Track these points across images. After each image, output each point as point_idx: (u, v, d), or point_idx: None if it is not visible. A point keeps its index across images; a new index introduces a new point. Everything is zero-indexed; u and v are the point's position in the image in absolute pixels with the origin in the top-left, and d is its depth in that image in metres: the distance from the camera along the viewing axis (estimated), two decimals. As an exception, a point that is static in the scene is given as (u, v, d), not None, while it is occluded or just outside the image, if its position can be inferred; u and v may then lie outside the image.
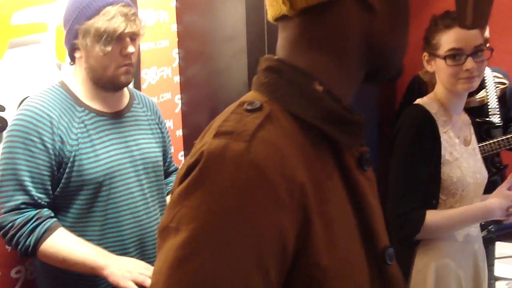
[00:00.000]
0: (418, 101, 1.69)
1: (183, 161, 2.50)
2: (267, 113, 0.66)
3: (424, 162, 1.58)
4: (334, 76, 0.72)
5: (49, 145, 1.38)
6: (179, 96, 2.48)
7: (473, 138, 1.78)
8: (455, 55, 1.57)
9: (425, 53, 1.68)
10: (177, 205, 0.63)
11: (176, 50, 2.43)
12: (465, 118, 1.79)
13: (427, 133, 1.60)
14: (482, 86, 2.21)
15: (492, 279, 1.93)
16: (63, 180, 1.42)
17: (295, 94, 0.69)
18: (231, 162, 0.61)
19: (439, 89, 1.68)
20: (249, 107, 0.67)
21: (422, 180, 1.58)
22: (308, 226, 0.63)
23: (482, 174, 1.70)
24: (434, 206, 1.60)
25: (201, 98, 2.42)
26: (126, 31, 1.43)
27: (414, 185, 1.58)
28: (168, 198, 1.72)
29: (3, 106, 1.57)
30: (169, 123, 2.38)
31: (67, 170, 1.41)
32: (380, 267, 0.74)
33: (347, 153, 0.73)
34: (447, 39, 1.58)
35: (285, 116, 0.68)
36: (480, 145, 1.99)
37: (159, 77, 2.35)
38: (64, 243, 1.37)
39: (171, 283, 0.60)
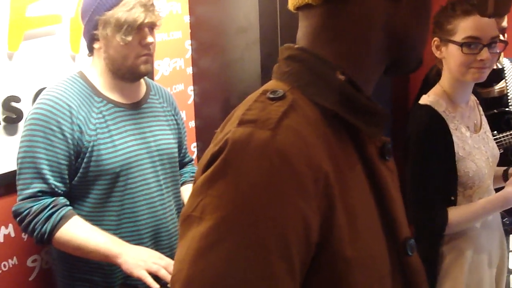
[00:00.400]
0: (425, 100, 1.65)
1: (196, 152, 2.52)
2: (290, 102, 0.66)
3: (439, 163, 1.57)
4: (356, 66, 0.72)
5: (68, 135, 1.40)
6: (191, 87, 2.48)
7: (483, 120, 1.75)
8: (471, 43, 1.52)
9: (435, 38, 1.61)
10: (201, 194, 0.63)
11: (189, 41, 2.43)
12: (471, 101, 1.74)
13: (438, 135, 1.58)
14: (501, 76, 2.18)
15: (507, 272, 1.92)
16: (81, 170, 1.43)
17: (318, 83, 0.69)
18: (256, 150, 0.61)
19: (445, 79, 1.64)
20: (271, 96, 0.67)
21: (439, 181, 1.57)
22: (332, 216, 0.63)
23: (494, 156, 1.69)
24: (454, 203, 1.60)
25: (213, 90, 2.43)
26: (146, 21, 1.44)
27: (433, 188, 1.57)
28: (183, 189, 1.74)
29: (18, 97, 1.59)
30: (181, 115, 2.38)
31: (85, 160, 1.43)
32: (401, 258, 0.74)
33: (368, 143, 0.72)
34: (465, 26, 1.52)
35: (308, 105, 0.68)
36: (501, 135, 1.98)
37: (172, 69, 2.36)
38: (79, 231, 1.38)
39: (194, 271, 0.60)
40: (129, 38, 1.43)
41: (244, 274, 0.59)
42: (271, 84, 0.72)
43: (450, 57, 1.58)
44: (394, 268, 0.72)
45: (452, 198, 1.60)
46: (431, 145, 1.58)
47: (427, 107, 1.62)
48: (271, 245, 0.59)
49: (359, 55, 0.72)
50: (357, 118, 0.69)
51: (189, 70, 2.46)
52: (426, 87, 1.75)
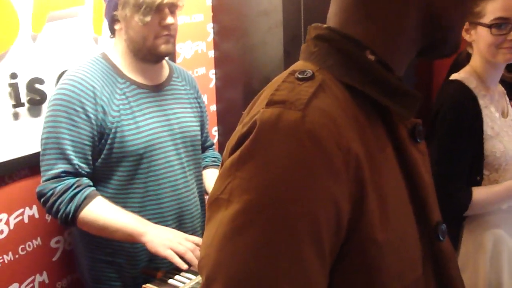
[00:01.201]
0: (455, 76, 1.64)
1: (216, 137, 2.51)
2: (319, 82, 0.64)
3: (467, 139, 1.54)
4: (388, 46, 0.69)
5: (91, 115, 1.40)
6: (213, 71, 2.47)
7: (510, 109, 1.74)
8: (501, 24, 1.53)
9: None
10: (229, 176, 0.61)
11: (211, 24, 2.41)
12: (500, 89, 1.75)
13: (468, 110, 1.56)
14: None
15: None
16: (104, 151, 1.43)
17: (347, 63, 0.67)
18: (286, 131, 0.59)
19: (476, 61, 1.64)
20: (300, 76, 0.65)
21: (466, 158, 1.55)
22: (363, 199, 0.61)
23: None
24: (479, 183, 1.58)
25: (235, 73, 2.41)
26: (165, 1, 1.42)
27: (459, 164, 1.55)
28: (204, 173, 1.73)
29: (42, 79, 1.59)
30: (203, 98, 2.38)
31: (108, 141, 1.42)
32: (432, 244, 0.72)
33: (399, 124, 0.70)
34: (494, 8, 1.53)
35: (337, 86, 0.66)
36: None
37: (194, 52, 2.34)
38: (103, 211, 1.38)
39: (222, 256, 0.59)
40: (148, 19, 1.41)
41: (273, 258, 0.57)
42: (299, 65, 0.71)
43: (480, 39, 1.58)
44: (425, 253, 0.70)
45: (478, 178, 1.58)
46: (460, 120, 1.55)
47: (458, 82, 1.61)
48: (301, 229, 0.57)
49: (392, 35, 0.69)
50: (387, 99, 0.67)
51: (211, 53, 2.44)
52: (454, 72, 1.71)
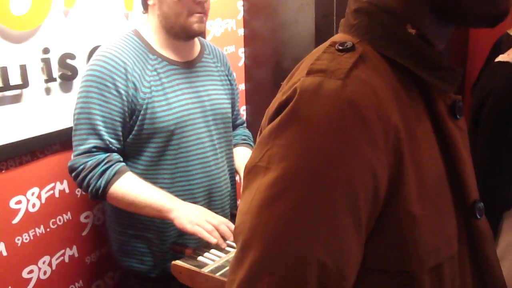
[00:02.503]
0: (505, 58, 1.55)
1: (245, 116, 2.49)
2: (360, 53, 0.64)
3: None
4: (427, 21, 0.68)
5: (122, 92, 1.39)
6: (242, 49, 2.44)
7: None
8: None
9: None
10: (268, 144, 0.61)
11: (241, 2, 2.38)
12: None
13: None
14: None
15: None
16: (135, 128, 1.43)
17: (387, 37, 0.67)
18: (326, 99, 0.59)
19: None
20: (341, 47, 0.65)
21: None
22: (401, 171, 0.61)
23: None
24: None
25: (265, 52, 2.38)
26: None
27: (507, 156, 1.47)
28: (235, 151, 1.72)
29: (73, 55, 1.59)
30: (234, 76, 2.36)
31: (140, 117, 1.42)
32: (469, 221, 0.71)
33: (439, 100, 0.69)
34: None
35: (377, 58, 0.66)
36: None
37: (224, 30, 2.32)
38: (133, 186, 1.39)
39: (258, 222, 0.59)
40: None
41: (310, 226, 0.57)
42: (338, 37, 0.71)
43: None
44: (461, 230, 0.70)
45: None
46: None
47: (510, 64, 1.51)
48: (338, 197, 0.57)
49: (431, 9, 0.67)
50: (428, 73, 0.66)
51: (241, 31, 2.42)
52: (497, 52, 1.63)
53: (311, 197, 0.57)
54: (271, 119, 0.63)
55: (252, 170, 0.63)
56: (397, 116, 0.62)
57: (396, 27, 0.66)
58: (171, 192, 1.46)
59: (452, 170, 0.69)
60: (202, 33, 1.51)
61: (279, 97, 0.64)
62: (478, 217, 0.71)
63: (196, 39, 1.61)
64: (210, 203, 1.56)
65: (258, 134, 0.69)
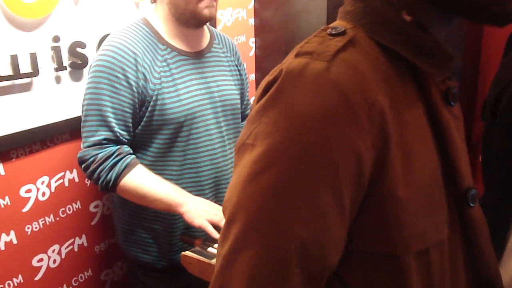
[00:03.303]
0: None
1: (255, 106, 2.48)
2: (350, 38, 0.65)
3: None
4: (424, 8, 0.67)
5: (132, 82, 1.38)
6: (253, 39, 2.42)
7: None
8: None
9: None
10: (255, 122, 0.63)
11: (252, -9, 2.36)
12: None
13: None
14: None
15: None
16: (145, 119, 1.42)
17: (381, 22, 0.67)
18: (311, 79, 0.60)
19: None
20: (333, 32, 0.67)
21: None
22: (386, 153, 0.61)
23: None
24: None
25: (276, 42, 2.36)
26: None
27: None
28: None
29: (84, 43, 1.58)
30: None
31: (149, 108, 1.41)
32: (461, 208, 0.71)
33: (433, 86, 0.69)
34: None
35: (369, 44, 0.67)
36: None
37: (234, 19, 2.30)
38: (143, 180, 1.38)
39: (242, 196, 0.61)
40: None
41: (291, 201, 0.59)
42: (334, 23, 0.72)
43: None
44: (452, 217, 0.70)
45: None
46: None
47: None
48: (320, 175, 0.58)
49: None
50: (420, 59, 0.66)
51: (251, 21, 2.39)
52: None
53: (292, 173, 0.58)
54: (259, 98, 0.65)
55: (241, 147, 0.65)
56: (384, 99, 0.62)
57: (391, 13, 0.66)
58: (179, 184, 1.45)
59: (445, 157, 0.69)
60: (212, 19, 1.49)
61: (267, 78, 0.66)
62: (471, 204, 0.71)
63: (205, 29, 1.59)
64: (217, 195, 1.55)
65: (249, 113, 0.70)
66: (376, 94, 0.61)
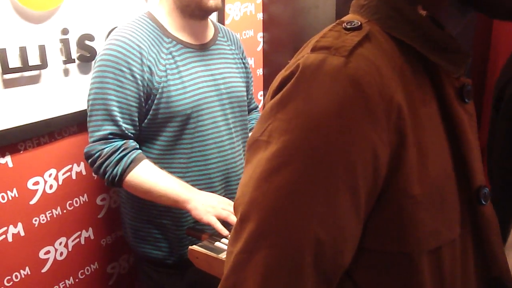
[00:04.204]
0: None
1: (262, 101, 2.47)
2: (366, 32, 0.64)
3: None
4: (439, 3, 0.67)
5: (138, 76, 1.37)
6: (261, 34, 2.41)
7: None
8: None
9: None
10: (269, 118, 0.62)
11: (261, -15, 2.34)
12: None
13: None
14: None
15: None
16: (151, 112, 1.41)
17: (396, 17, 0.66)
18: (329, 75, 0.59)
19: None
20: (348, 26, 0.65)
21: None
22: (402, 151, 0.60)
23: None
24: None
25: (284, 37, 2.34)
26: None
27: None
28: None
29: (92, 36, 1.58)
30: (250, 62, 2.33)
31: (155, 101, 1.40)
32: (473, 207, 0.70)
33: (447, 82, 0.68)
34: None
35: (385, 38, 0.66)
36: None
37: (243, 13, 2.29)
38: (149, 175, 1.38)
39: (257, 195, 0.60)
40: None
41: (307, 200, 0.57)
42: (348, 17, 0.70)
43: None
44: (464, 215, 0.69)
45: None
46: None
47: None
48: (337, 173, 0.57)
49: None
50: (435, 54, 0.66)
51: (260, 15, 2.38)
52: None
53: (309, 171, 0.57)
54: (274, 94, 0.64)
55: (253, 144, 0.64)
56: (401, 95, 0.61)
57: (406, 8, 0.65)
58: (187, 177, 1.45)
59: (458, 154, 0.68)
60: (218, 9, 1.48)
61: (282, 73, 0.65)
62: (483, 202, 0.70)
63: (210, 22, 1.58)
64: (227, 188, 1.55)
65: (262, 109, 0.69)
66: (393, 90, 0.60)
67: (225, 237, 1.35)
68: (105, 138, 1.38)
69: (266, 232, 0.59)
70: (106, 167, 1.37)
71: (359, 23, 0.65)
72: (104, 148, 1.37)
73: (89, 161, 1.40)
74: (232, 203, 1.39)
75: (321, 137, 0.57)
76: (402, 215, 0.61)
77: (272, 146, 0.60)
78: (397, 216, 0.62)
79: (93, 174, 1.69)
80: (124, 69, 1.36)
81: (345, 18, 0.69)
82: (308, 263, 0.58)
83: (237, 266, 0.61)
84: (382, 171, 0.59)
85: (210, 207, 1.36)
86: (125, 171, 1.37)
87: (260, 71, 2.44)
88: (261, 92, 2.47)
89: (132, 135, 1.41)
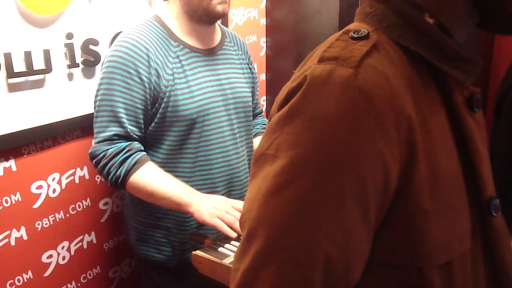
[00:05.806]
0: None
1: (265, 106, 2.47)
2: (374, 42, 0.63)
3: None
4: (447, 10, 0.65)
5: (145, 79, 1.37)
6: (264, 39, 2.41)
7: None
8: None
9: None
10: (276, 131, 0.61)
11: (264, -9, 2.35)
12: None
13: None
14: None
15: None
16: (158, 115, 1.41)
17: (404, 26, 0.64)
18: (337, 87, 0.57)
19: None
20: (355, 35, 0.64)
21: None
22: (413, 163, 0.59)
23: None
24: None
25: (287, 42, 2.35)
26: None
27: None
28: (255, 140, 1.70)
29: (97, 40, 1.58)
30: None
31: (162, 105, 1.40)
32: (484, 218, 0.68)
33: (456, 91, 0.66)
34: None
35: (392, 47, 0.64)
36: None
37: (246, 19, 2.29)
38: (152, 177, 1.38)
39: (264, 211, 0.58)
40: None
41: (316, 216, 0.56)
42: (353, 25, 0.69)
43: None
44: (475, 227, 0.67)
45: None
46: None
47: None
48: (347, 187, 0.56)
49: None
50: (445, 63, 0.64)
51: (263, 21, 2.39)
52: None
53: (318, 187, 0.56)
54: (281, 107, 0.62)
55: (260, 158, 0.62)
56: (410, 106, 0.59)
57: (414, 16, 0.64)
58: (191, 181, 1.45)
59: (468, 165, 0.66)
60: (225, 15, 1.48)
61: (289, 85, 0.63)
62: (494, 214, 0.68)
63: (217, 27, 1.59)
64: (230, 193, 1.54)
65: (268, 121, 0.67)
66: (403, 101, 0.59)
67: (234, 239, 1.33)
68: (110, 139, 1.38)
69: (274, 249, 0.57)
70: (110, 167, 1.37)
71: (366, 32, 0.64)
72: (109, 149, 1.37)
73: (94, 161, 1.40)
74: (235, 203, 1.39)
75: (329, 151, 0.56)
76: (412, 228, 0.60)
77: (280, 161, 0.58)
78: (408, 229, 0.60)
79: (97, 177, 1.69)
80: (132, 71, 1.36)
81: (351, 27, 0.68)
82: (318, 279, 0.57)
83: (244, 284, 0.59)
84: (392, 185, 0.58)
85: (214, 208, 1.35)
86: (129, 172, 1.37)
87: (263, 76, 2.45)
88: (264, 97, 2.48)
89: (137, 137, 1.41)
